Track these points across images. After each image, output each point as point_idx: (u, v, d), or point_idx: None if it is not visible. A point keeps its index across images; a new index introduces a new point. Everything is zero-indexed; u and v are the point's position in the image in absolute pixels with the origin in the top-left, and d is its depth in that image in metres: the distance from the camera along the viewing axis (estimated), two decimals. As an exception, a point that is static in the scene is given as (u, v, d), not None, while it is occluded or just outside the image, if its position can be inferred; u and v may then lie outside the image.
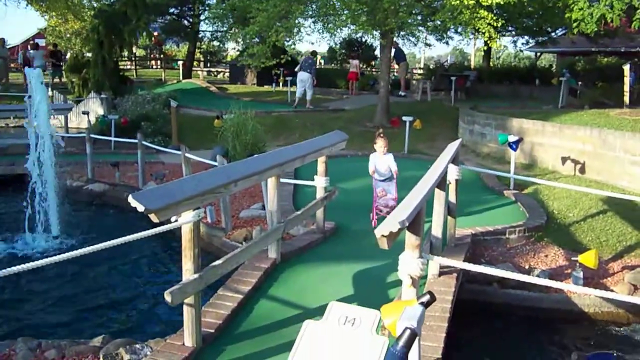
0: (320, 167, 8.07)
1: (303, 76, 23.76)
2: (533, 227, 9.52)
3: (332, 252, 7.83)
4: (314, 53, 27.07)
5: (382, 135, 9.32)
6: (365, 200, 9.69)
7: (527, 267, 8.30)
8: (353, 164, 13.22)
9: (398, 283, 6.57)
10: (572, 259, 8.02)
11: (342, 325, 2.48)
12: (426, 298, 3.50)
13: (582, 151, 13.12)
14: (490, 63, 34.95)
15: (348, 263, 7.32)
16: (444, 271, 6.64)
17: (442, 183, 6.63)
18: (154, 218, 4.38)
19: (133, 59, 38.31)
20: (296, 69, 24.59)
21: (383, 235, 3.76)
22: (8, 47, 33.67)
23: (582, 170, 12.99)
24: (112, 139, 16.45)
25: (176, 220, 4.96)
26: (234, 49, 41.75)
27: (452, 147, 7.76)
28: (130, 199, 4.27)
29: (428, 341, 5.08)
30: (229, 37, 28.78)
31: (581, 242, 9.32)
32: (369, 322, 2.49)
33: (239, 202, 10.89)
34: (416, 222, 4.33)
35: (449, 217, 7.50)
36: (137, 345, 5.30)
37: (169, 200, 4.47)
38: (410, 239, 4.29)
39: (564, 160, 13.44)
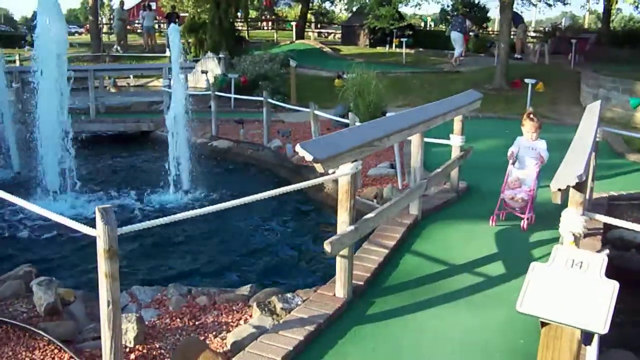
0: (457, 125, 8.02)
1: (454, 35, 24.80)
2: (672, 193, 9.16)
3: (469, 212, 7.80)
4: (462, 12, 27.29)
5: (532, 116, 7.38)
6: (491, 161, 9.55)
7: (668, 233, 8.03)
8: (475, 125, 13.00)
9: (542, 244, 6.56)
10: None
11: (569, 268, 2.49)
12: (606, 251, 3.46)
13: None
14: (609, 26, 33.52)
15: (486, 223, 7.28)
16: (589, 233, 6.51)
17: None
18: (319, 168, 4.46)
19: (246, 20, 38.73)
20: (447, 33, 25.98)
21: (560, 189, 3.71)
22: (126, 9, 34.64)
23: None
24: (233, 96, 16.75)
25: (334, 172, 5.03)
26: (346, 9, 41.58)
27: (595, 108, 7.54)
28: (298, 148, 4.37)
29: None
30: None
31: None
32: (596, 265, 2.48)
33: (365, 161, 10.91)
34: (580, 179, 4.26)
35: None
36: (289, 295, 5.38)
37: (335, 151, 4.55)
38: (575, 196, 4.21)
39: (699, 126, 12.87)
